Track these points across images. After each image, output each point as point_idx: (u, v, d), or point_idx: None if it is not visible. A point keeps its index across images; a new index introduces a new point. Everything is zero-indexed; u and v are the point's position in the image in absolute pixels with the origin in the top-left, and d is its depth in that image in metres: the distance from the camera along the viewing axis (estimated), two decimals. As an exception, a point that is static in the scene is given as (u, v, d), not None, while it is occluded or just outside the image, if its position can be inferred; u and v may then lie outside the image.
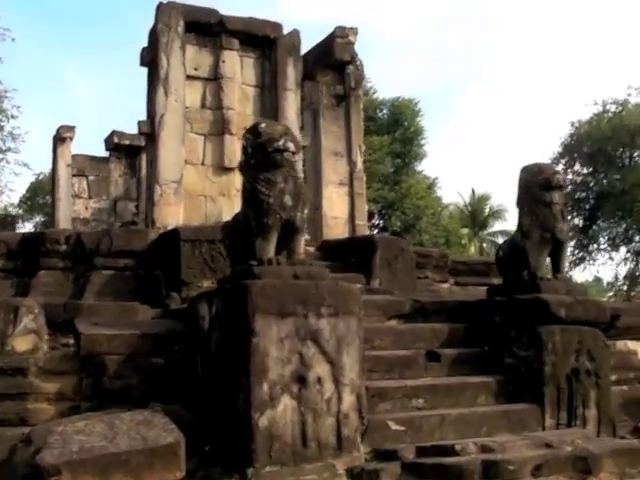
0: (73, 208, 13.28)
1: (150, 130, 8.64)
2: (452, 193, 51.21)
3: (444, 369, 5.86)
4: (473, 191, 36.17)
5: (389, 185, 24.30)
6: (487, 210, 35.91)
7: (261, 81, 9.69)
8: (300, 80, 9.71)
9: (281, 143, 4.99)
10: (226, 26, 9.21)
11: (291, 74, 9.54)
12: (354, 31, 11.80)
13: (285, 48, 9.57)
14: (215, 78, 9.26)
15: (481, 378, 5.79)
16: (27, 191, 27.58)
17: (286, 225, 5.02)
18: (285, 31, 9.97)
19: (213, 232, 6.58)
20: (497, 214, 35.58)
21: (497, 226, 35.87)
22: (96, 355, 5.11)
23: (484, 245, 34.83)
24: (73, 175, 13.69)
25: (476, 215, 35.41)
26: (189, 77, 9.13)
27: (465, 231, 33.30)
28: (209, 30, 9.23)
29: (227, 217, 9.09)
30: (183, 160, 8.71)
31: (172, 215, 8.33)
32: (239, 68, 9.54)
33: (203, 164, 9.16)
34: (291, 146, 5.03)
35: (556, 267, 6.37)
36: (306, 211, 5.13)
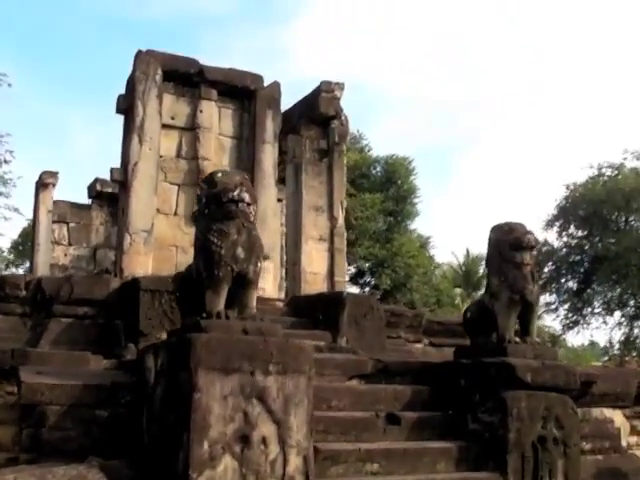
0: (52, 254, 13.22)
1: (123, 178, 8.65)
2: (446, 253, 51.24)
3: (404, 433, 5.71)
4: (467, 251, 36.28)
5: (380, 243, 24.32)
6: (481, 271, 35.89)
7: (239, 132, 9.76)
8: (278, 133, 9.78)
9: (236, 193, 4.96)
10: (205, 76, 9.34)
11: (269, 126, 9.61)
12: (340, 86, 11.96)
13: (265, 100, 9.67)
14: (192, 128, 9.35)
15: (442, 444, 5.64)
16: (19, 236, 27.62)
17: (238, 278, 4.97)
18: (268, 82, 10.11)
19: (170, 284, 6.47)
20: (492, 275, 35.36)
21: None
22: (37, 404, 4.97)
23: (478, 306, 34.44)
24: (54, 221, 13.69)
25: (470, 275, 35.36)
26: (165, 126, 9.21)
27: (458, 291, 33.23)
28: (188, 80, 9.36)
29: (198, 268, 9.08)
30: (155, 209, 8.71)
31: (141, 265, 8.27)
32: (217, 119, 9.63)
33: (176, 214, 9.16)
34: (246, 197, 5.00)
35: (525, 330, 6.28)
36: (259, 264, 5.07)
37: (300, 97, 11.72)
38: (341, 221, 11.66)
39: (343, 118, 11.97)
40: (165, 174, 9.14)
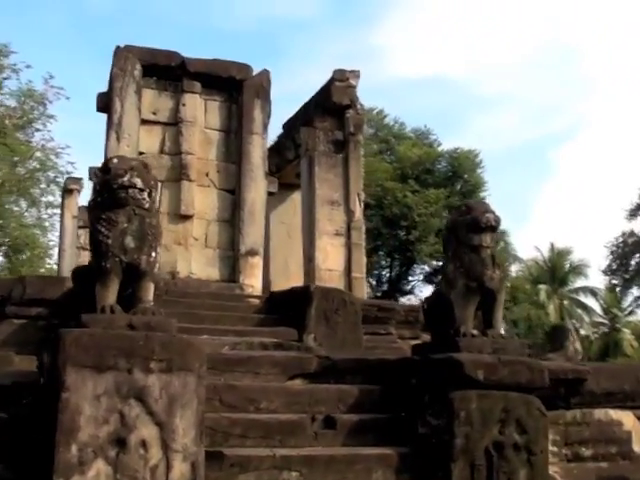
0: (78, 259, 13.37)
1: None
2: (530, 248, 49.05)
3: (339, 438, 5.22)
4: (552, 245, 34.62)
5: (446, 239, 23.46)
6: (567, 266, 34.23)
7: (227, 125, 9.46)
8: (268, 123, 9.41)
9: (126, 179, 4.68)
10: (188, 69, 9.10)
11: (258, 117, 9.27)
12: (355, 74, 11.53)
13: (252, 90, 9.34)
14: (175, 123, 9.13)
15: (381, 450, 5.12)
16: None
17: (129, 269, 4.67)
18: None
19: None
20: (578, 270, 33.81)
21: (579, 283, 34.02)
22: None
23: (564, 302, 32.96)
24: (79, 227, 13.85)
25: (556, 270, 33.73)
26: (148, 122, 9.04)
27: (543, 287, 31.76)
28: (170, 73, 9.15)
29: (182, 267, 8.87)
30: (133, 207, 8.50)
31: (119, 265, 8.08)
32: (202, 112, 9.37)
33: (159, 212, 8.92)
34: (138, 182, 4.70)
35: (487, 321, 5.67)
36: (154, 254, 4.75)
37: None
38: (359, 214, 11.20)
39: (359, 107, 11.54)
40: (147, 171, 8.95)
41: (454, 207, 23.40)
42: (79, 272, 5.12)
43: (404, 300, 26.73)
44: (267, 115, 9.34)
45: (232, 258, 9.00)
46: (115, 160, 4.84)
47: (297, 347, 6.01)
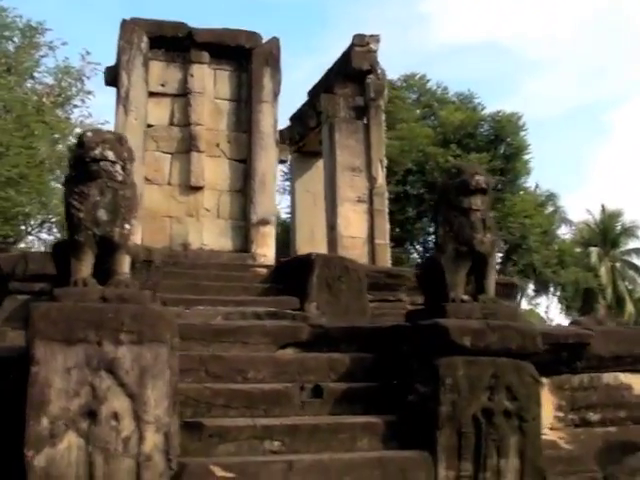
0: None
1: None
2: (583, 211, 47.52)
3: (327, 407, 5.15)
4: (603, 207, 33.58)
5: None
6: (619, 228, 33.17)
7: (237, 94, 9.35)
8: (278, 91, 9.25)
9: (97, 152, 4.62)
10: (195, 39, 8.99)
11: (267, 85, 9.11)
12: (375, 38, 11.28)
13: (262, 58, 9.18)
14: (184, 94, 9.06)
15: (367, 418, 5.04)
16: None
17: (103, 242, 4.64)
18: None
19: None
20: (630, 231, 32.80)
21: (631, 244, 32.99)
22: None
23: (616, 265, 32.02)
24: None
25: (607, 233, 32.75)
26: (156, 94, 8.99)
27: (594, 250, 30.90)
28: (178, 45, 9.06)
29: (194, 238, 8.86)
30: (142, 180, 8.51)
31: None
32: (211, 82, 9.27)
33: (169, 184, 8.94)
34: (109, 154, 4.64)
35: (480, 286, 5.47)
36: (128, 226, 4.69)
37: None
38: (381, 180, 10.99)
39: (379, 72, 11.27)
40: (157, 143, 8.93)
41: (496, 170, 23.23)
42: (57, 246, 5.11)
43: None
44: (277, 83, 9.19)
45: (244, 228, 8.95)
46: (89, 134, 4.78)
47: (292, 316, 5.93)
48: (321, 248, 11.15)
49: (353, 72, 11.09)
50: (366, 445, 4.90)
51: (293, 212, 12.80)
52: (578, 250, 30.17)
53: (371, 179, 10.89)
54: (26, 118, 20.10)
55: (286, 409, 5.04)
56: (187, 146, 8.94)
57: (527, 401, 5.06)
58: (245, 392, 5.02)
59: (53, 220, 20.53)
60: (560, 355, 5.94)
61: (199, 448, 4.60)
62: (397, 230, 25.57)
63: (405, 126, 23.73)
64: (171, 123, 9.07)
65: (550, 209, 28.42)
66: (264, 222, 8.83)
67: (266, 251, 8.65)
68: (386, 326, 5.79)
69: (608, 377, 6.43)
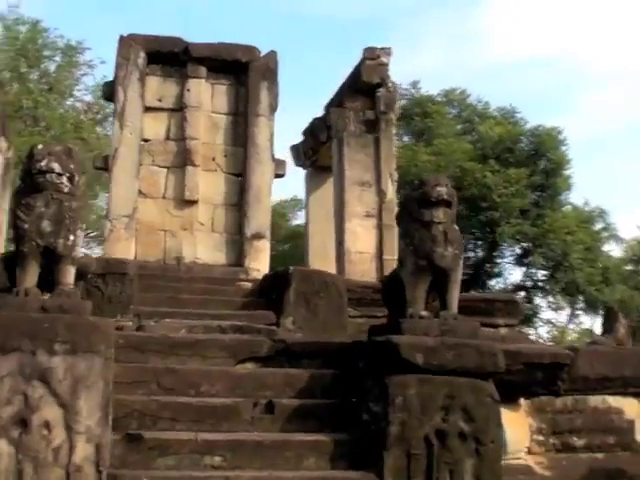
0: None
1: (103, 165, 8.73)
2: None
3: (277, 424, 5.09)
4: (656, 223, 32.38)
5: (530, 220, 22.58)
6: (673, 245, 32.03)
7: (234, 108, 9.42)
8: (276, 105, 9.29)
9: (43, 164, 4.75)
10: (191, 54, 9.12)
11: (264, 99, 9.17)
12: (386, 51, 11.26)
13: (259, 72, 9.25)
14: (180, 108, 9.18)
15: (316, 436, 4.96)
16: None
17: (47, 253, 4.73)
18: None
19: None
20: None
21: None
22: None
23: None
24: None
25: (659, 249, 31.63)
26: (153, 109, 9.14)
27: (646, 267, 29.88)
28: (175, 60, 9.20)
29: (187, 252, 8.94)
30: (136, 194, 8.66)
31: (123, 250, 8.26)
32: (208, 96, 9.37)
33: (164, 197, 9.05)
34: (55, 167, 4.75)
35: (442, 302, 5.36)
36: (72, 237, 4.76)
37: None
38: (391, 195, 10.88)
39: (390, 85, 11.21)
40: (153, 157, 9.06)
41: (536, 186, 22.81)
42: (6, 258, 5.20)
43: (492, 284, 25.98)
44: (274, 97, 9.24)
45: (239, 242, 9.00)
46: (39, 146, 4.91)
47: (257, 330, 5.90)
48: (333, 263, 11.13)
49: (363, 85, 11.06)
50: (313, 464, 4.83)
51: (306, 227, 12.81)
52: (629, 268, 29.30)
53: (380, 193, 10.81)
54: (65, 135, 20.74)
55: (235, 424, 5.01)
56: (182, 160, 9.06)
57: (485, 423, 4.91)
58: (193, 406, 5.01)
59: (92, 235, 21.01)
60: (534, 376, 5.76)
61: (138, 460, 4.60)
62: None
63: (443, 141, 23.53)
64: (167, 137, 9.21)
65: (599, 226, 27.73)
66: (258, 236, 8.86)
67: (259, 265, 8.67)
68: (348, 342, 5.72)
69: (595, 400, 6.20)
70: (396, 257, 10.80)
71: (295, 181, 32.40)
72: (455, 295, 5.35)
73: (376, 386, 4.96)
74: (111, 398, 4.47)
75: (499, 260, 26.03)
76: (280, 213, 30.53)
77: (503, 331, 8.33)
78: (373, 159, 10.93)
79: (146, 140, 9.09)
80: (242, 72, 9.38)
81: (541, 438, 6.02)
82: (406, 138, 26.52)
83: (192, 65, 9.17)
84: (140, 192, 8.87)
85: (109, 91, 9.08)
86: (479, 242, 24.99)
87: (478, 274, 25.57)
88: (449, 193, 5.33)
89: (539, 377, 5.78)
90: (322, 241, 12.14)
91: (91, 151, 20.99)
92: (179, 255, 8.77)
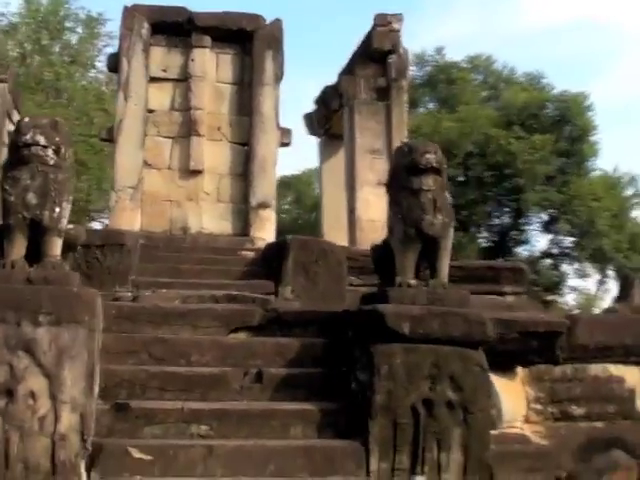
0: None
1: (108, 136, 8.74)
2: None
3: (266, 393, 5.11)
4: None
5: (555, 187, 22.23)
6: None
7: (240, 77, 9.37)
8: (281, 73, 9.18)
9: (28, 137, 4.76)
10: (196, 23, 9.05)
11: (269, 67, 9.09)
12: (398, 17, 11.09)
13: (263, 40, 9.16)
14: (185, 78, 9.13)
15: (302, 405, 4.98)
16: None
17: (33, 225, 4.76)
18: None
19: (88, 237, 6.39)
20: None
21: None
22: None
23: None
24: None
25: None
26: (158, 79, 9.12)
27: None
28: (180, 30, 9.14)
29: (193, 222, 8.96)
30: (141, 165, 8.67)
31: (128, 221, 8.31)
32: (213, 66, 9.32)
33: (169, 168, 9.06)
34: (41, 139, 4.76)
35: (433, 270, 5.29)
36: (58, 209, 4.78)
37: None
38: (402, 163, 10.71)
39: (401, 52, 11.04)
40: (158, 128, 9.07)
41: (561, 152, 22.39)
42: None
43: (520, 251, 25.72)
44: (280, 65, 9.16)
45: (245, 212, 8.99)
46: (25, 119, 4.92)
47: (252, 300, 5.90)
48: (346, 232, 11.08)
49: (374, 53, 10.91)
50: (299, 433, 4.85)
51: (320, 196, 12.76)
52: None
53: (392, 161, 10.66)
54: (87, 107, 20.85)
55: (223, 394, 5.04)
56: (187, 130, 9.06)
57: (473, 392, 4.87)
58: (182, 375, 5.05)
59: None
60: (530, 344, 5.69)
61: (124, 429, 4.67)
62: (458, 215, 25.23)
63: (465, 108, 23.17)
64: (172, 108, 9.20)
65: (629, 192, 27.20)
66: (263, 205, 8.84)
67: (265, 235, 8.66)
68: (339, 311, 5.69)
69: (596, 369, 6.11)
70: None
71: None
72: (445, 263, 5.28)
73: (363, 355, 4.95)
74: (96, 368, 4.52)
75: (526, 227, 25.78)
76: (306, 182, 30.57)
77: (510, 299, 8.27)
78: (384, 127, 10.82)
79: (151, 111, 9.09)
80: (247, 41, 9.30)
81: (539, 407, 5.97)
82: (431, 105, 26.28)
83: (197, 35, 9.11)
84: (145, 163, 8.89)
85: (114, 62, 9.08)
86: (505, 209, 24.79)
87: (504, 241, 25.36)
88: (438, 160, 5.22)
89: (534, 346, 5.72)
90: (336, 210, 12.08)
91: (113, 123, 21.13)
92: (185, 225, 8.80)
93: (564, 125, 22.99)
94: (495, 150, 22.56)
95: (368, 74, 10.96)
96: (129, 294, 6.12)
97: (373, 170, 10.68)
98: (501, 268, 8.30)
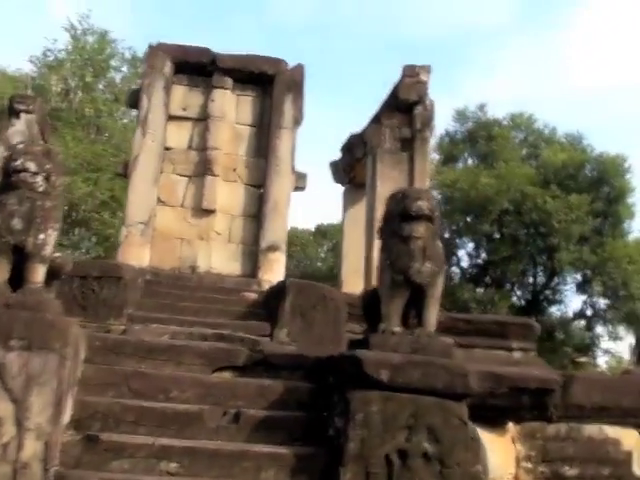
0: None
1: (124, 171, 8.85)
2: None
3: (243, 434, 5.00)
4: None
5: (590, 247, 21.83)
6: None
7: (259, 120, 9.45)
8: (299, 117, 9.23)
9: (18, 163, 4.85)
10: (218, 65, 9.18)
11: (288, 111, 9.14)
12: (426, 69, 11.13)
13: (284, 84, 9.24)
14: (204, 118, 9.24)
15: (275, 448, 4.84)
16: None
17: (18, 251, 4.80)
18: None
19: (86, 268, 6.44)
20: None
21: None
22: None
23: None
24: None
25: None
26: (177, 118, 9.24)
27: None
28: (202, 70, 9.28)
29: (202, 261, 8.96)
30: (153, 201, 8.74)
31: (137, 256, 8.35)
32: (233, 107, 9.42)
33: (182, 206, 9.11)
34: (31, 166, 4.84)
35: (419, 319, 5.16)
36: (42, 236, 4.81)
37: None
38: (424, 213, 10.62)
39: (427, 103, 11.03)
40: (174, 166, 9.16)
41: (597, 213, 22.01)
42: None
43: (553, 311, 25.19)
44: (299, 109, 9.22)
45: (255, 253, 8.96)
46: (20, 146, 5.02)
47: (240, 340, 5.82)
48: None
49: (401, 103, 10.93)
50: (272, 476, 4.71)
51: (341, 243, 12.71)
52: None
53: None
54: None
55: (198, 432, 4.94)
56: (203, 170, 9.13)
57: (451, 445, 4.70)
58: (158, 411, 4.97)
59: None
60: (520, 400, 5.49)
61: (93, 462, 4.59)
62: (492, 272, 24.91)
63: (504, 165, 23.05)
64: (190, 147, 9.31)
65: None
66: (273, 248, 8.81)
67: (272, 277, 8.59)
68: (326, 356, 5.57)
69: (591, 429, 5.89)
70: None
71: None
72: (432, 312, 5.15)
73: (341, 401, 4.83)
74: (66, 396, 4.49)
75: (560, 287, 25.29)
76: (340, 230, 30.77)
77: (517, 355, 8.05)
78: (406, 176, 10.76)
79: (168, 148, 9.20)
80: (268, 84, 9.42)
81: (530, 465, 5.75)
82: (470, 160, 26.23)
83: (218, 75, 9.26)
84: (159, 200, 8.98)
85: (134, 99, 9.25)
86: (539, 268, 24.39)
87: (537, 300, 24.89)
88: (430, 207, 5.14)
89: (526, 402, 5.52)
90: (356, 257, 11.99)
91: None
92: (194, 264, 8.81)
93: (601, 186, 22.70)
94: (531, 208, 22.34)
95: (393, 124, 10.97)
96: (123, 327, 6.10)
97: (393, 219, 10.57)
98: (509, 323, 8.09)
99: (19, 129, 9.77)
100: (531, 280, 25.09)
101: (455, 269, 25.27)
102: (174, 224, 9.05)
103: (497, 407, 5.44)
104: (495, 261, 23.53)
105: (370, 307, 5.42)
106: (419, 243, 5.10)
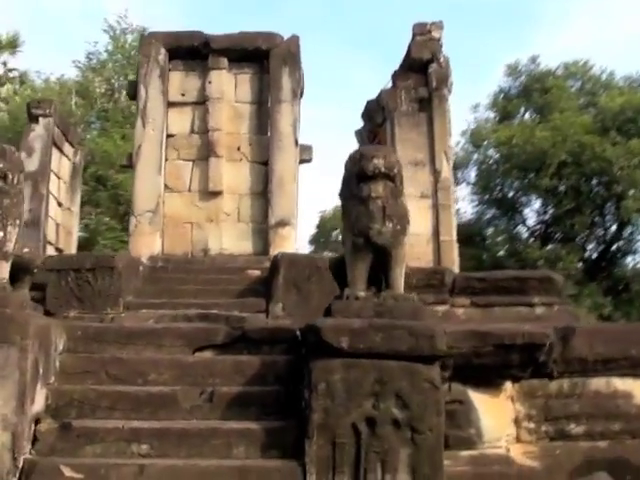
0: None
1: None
2: None
3: (216, 412, 5.01)
4: None
5: (656, 195, 20.79)
6: None
7: (258, 97, 9.37)
8: (299, 89, 9.08)
9: (-27, 164, 4.93)
10: (212, 46, 9.13)
11: (286, 84, 9.03)
12: (438, 25, 10.77)
13: (279, 58, 9.12)
14: (203, 101, 9.22)
15: (246, 424, 4.83)
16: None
17: (-17, 248, 4.91)
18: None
19: (79, 261, 6.57)
20: None
21: None
22: None
23: None
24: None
25: None
26: (177, 104, 9.27)
27: None
28: (197, 53, 9.26)
29: (213, 243, 8.98)
30: (159, 189, 8.80)
31: (147, 245, 8.45)
32: (231, 86, 9.37)
33: (190, 190, 9.15)
34: (-4, 163, 4.94)
35: (385, 281, 5.01)
36: (1, 234, 4.93)
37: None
38: (446, 174, 10.42)
39: (442, 60, 10.70)
40: (178, 152, 9.20)
41: None
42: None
43: (629, 261, 24.22)
44: (297, 82, 9.10)
45: (265, 231, 8.93)
46: (-10, 144, 5.14)
47: (225, 318, 5.82)
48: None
49: (414, 63, 10.65)
50: (242, 453, 4.71)
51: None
52: None
53: (435, 173, 10.37)
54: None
55: (172, 413, 4.98)
56: (206, 152, 9.15)
57: (422, 410, 4.56)
58: (132, 395, 5.04)
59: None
60: (509, 358, 5.26)
61: (66, 448, 4.71)
62: (560, 227, 24.08)
63: (559, 116, 22.16)
64: (192, 131, 9.35)
65: None
66: (282, 224, 8.76)
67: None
68: (303, 327, 5.48)
69: (598, 383, 5.58)
70: (453, 238, 10.45)
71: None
72: (398, 273, 4.99)
73: (306, 372, 4.75)
74: (31, 387, 4.59)
75: (633, 236, 24.24)
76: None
77: (539, 310, 7.74)
78: (426, 137, 10.50)
79: (171, 135, 9.27)
80: (264, 60, 9.33)
81: (532, 425, 5.50)
82: (527, 115, 25.38)
83: (213, 57, 9.24)
84: (166, 187, 9.06)
85: (133, 90, 9.34)
86: (607, 218, 23.45)
87: (610, 252, 23.97)
88: (388, 165, 4.95)
89: (515, 359, 5.28)
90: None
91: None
92: (205, 247, 8.86)
93: (663, 128, 21.53)
94: (590, 158, 21.44)
95: (409, 85, 10.70)
96: (111, 316, 6.20)
97: (416, 182, 10.34)
98: (528, 278, 7.78)
99: (39, 133, 10.06)
100: (601, 233, 24.20)
101: (521, 228, 24.64)
102: (183, 209, 9.13)
103: (485, 366, 5.22)
104: (560, 216, 22.75)
105: (339, 274, 5.30)
106: (378, 203, 4.93)
